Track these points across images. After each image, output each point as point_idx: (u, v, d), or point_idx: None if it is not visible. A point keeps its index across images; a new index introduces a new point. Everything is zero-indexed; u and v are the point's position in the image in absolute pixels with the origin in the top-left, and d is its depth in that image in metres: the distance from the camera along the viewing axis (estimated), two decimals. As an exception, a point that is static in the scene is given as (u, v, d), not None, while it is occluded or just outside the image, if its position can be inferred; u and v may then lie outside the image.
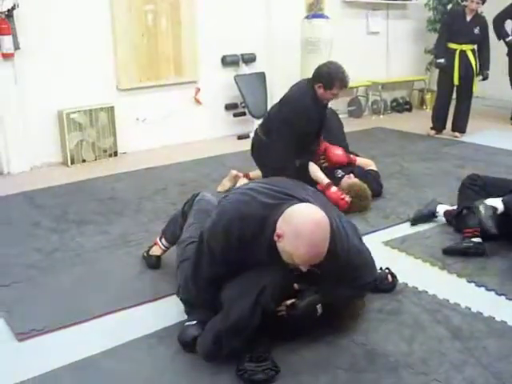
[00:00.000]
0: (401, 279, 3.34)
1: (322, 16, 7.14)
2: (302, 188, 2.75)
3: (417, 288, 3.27)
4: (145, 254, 3.57)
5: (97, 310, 3.04)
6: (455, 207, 4.12)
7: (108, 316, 3.02)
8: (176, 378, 2.53)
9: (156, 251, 3.50)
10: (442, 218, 4.20)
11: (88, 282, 3.40)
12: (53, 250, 3.82)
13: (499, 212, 3.62)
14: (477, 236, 3.74)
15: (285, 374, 2.48)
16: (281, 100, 4.63)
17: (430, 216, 4.26)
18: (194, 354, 2.63)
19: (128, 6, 6.05)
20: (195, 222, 3.00)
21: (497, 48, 7.49)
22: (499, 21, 7.62)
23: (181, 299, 2.85)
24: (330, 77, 4.30)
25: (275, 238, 2.40)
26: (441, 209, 4.24)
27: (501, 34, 7.62)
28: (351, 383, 2.45)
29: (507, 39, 7.60)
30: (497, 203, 3.65)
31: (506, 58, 7.86)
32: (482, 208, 3.63)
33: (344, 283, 2.66)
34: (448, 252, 3.72)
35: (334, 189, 4.47)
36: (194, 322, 2.70)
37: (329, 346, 2.71)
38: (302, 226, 2.34)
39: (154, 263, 3.50)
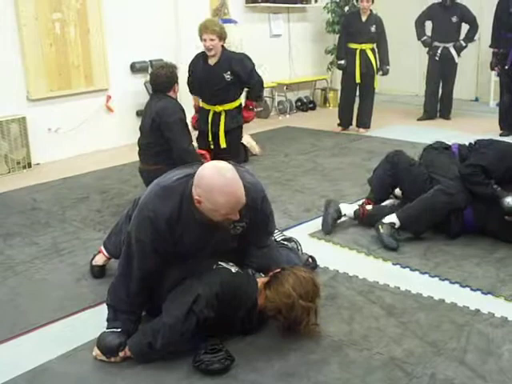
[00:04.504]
0: (331, 267, 3.55)
1: (230, 21, 7.37)
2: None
3: (347, 273, 3.48)
4: (92, 263, 3.54)
5: (41, 319, 3.04)
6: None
7: (55, 323, 3.02)
8: (134, 375, 2.58)
9: (99, 260, 3.49)
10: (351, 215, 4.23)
11: (26, 293, 3.36)
12: (-18, 266, 3.74)
13: (397, 226, 3.90)
14: None
15: (239, 362, 2.59)
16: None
17: (338, 218, 4.22)
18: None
19: (35, 14, 5.96)
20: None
21: (402, 47, 7.97)
22: (419, 22, 8.05)
23: (108, 305, 2.78)
24: (174, 72, 4.57)
25: (196, 205, 2.51)
26: (346, 209, 4.24)
27: (418, 34, 8.03)
28: (303, 364, 2.61)
29: (422, 39, 8.02)
30: (393, 219, 3.92)
31: (407, 57, 8.39)
32: (381, 227, 3.90)
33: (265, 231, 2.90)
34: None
35: None
36: (119, 329, 2.67)
37: (277, 334, 2.82)
38: (210, 180, 2.45)
39: (96, 273, 3.49)
